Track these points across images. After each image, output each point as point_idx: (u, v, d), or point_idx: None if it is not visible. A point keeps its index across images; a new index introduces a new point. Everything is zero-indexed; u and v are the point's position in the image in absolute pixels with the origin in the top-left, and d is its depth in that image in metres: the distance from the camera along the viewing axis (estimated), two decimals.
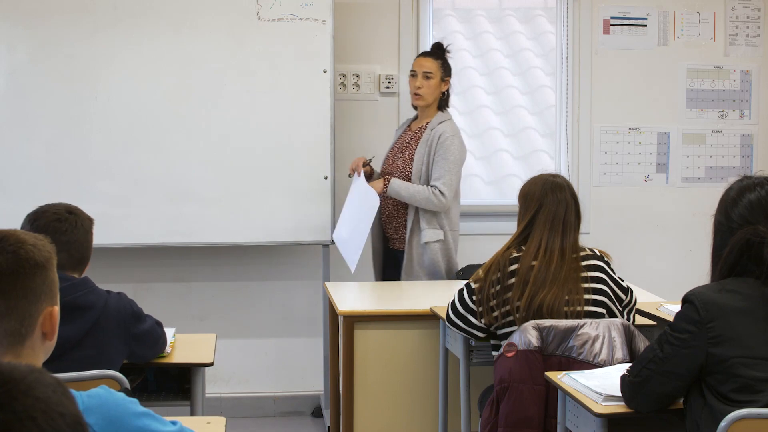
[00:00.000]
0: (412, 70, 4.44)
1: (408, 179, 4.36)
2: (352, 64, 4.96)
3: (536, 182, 3.25)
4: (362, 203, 4.31)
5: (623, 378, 2.55)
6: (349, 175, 4.48)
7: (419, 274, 4.34)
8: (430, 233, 4.32)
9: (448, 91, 4.47)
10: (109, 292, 2.78)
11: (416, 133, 4.45)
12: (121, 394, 1.71)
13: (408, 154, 4.42)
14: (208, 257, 4.87)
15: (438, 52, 4.45)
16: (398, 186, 4.31)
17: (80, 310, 2.62)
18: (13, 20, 4.51)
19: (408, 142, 4.45)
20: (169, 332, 3.08)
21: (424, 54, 4.49)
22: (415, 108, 4.52)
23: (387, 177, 4.37)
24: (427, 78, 4.37)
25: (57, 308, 1.65)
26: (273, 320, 5.00)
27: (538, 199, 3.20)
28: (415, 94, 4.41)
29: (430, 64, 4.39)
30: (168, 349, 3.04)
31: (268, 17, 4.61)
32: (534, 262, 3.12)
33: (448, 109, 4.50)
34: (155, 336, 2.93)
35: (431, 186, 4.30)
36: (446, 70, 4.43)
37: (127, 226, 4.59)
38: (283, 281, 5.00)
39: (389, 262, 4.49)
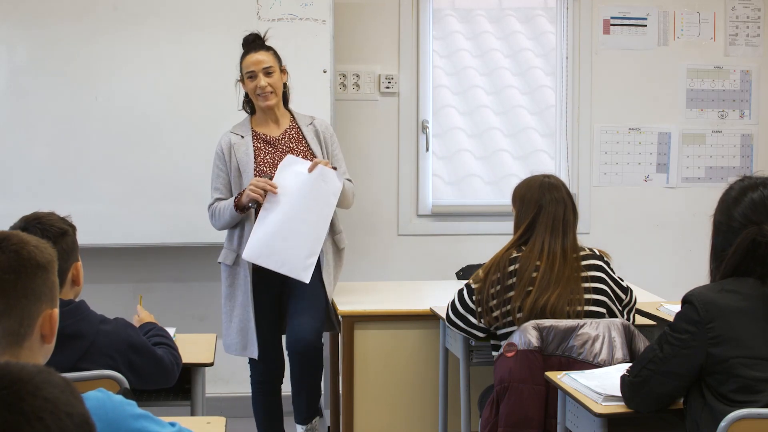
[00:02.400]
0: (248, 72, 3.80)
1: None
2: (352, 64, 4.95)
3: (532, 184, 3.25)
4: (313, 191, 3.73)
5: (623, 378, 2.55)
6: (250, 207, 3.78)
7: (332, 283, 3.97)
8: (342, 238, 3.98)
9: (287, 83, 3.93)
10: (105, 320, 2.62)
11: (292, 134, 3.89)
12: (119, 397, 1.71)
13: (305, 157, 3.83)
14: (208, 257, 4.86)
15: (262, 43, 3.86)
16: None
17: (68, 338, 2.46)
18: (14, 21, 4.51)
19: (289, 147, 3.85)
20: (169, 332, 3.07)
21: (253, 49, 3.82)
22: (248, 112, 3.93)
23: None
24: (269, 74, 3.79)
25: (56, 311, 1.65)
26: None
27: (536, 201, 3.20)
28: (263, 95, 3.80)
29: (266, 58, 3.80)
30: None
31: (268, 17, 4.61)
32: (538, 263, 3.12)
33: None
34: (160, 369, 2.73)
35: (348, 180, 3.91)
36: (280, 59, 3.86)
37: (127, 226, 4.60)
38: None
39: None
